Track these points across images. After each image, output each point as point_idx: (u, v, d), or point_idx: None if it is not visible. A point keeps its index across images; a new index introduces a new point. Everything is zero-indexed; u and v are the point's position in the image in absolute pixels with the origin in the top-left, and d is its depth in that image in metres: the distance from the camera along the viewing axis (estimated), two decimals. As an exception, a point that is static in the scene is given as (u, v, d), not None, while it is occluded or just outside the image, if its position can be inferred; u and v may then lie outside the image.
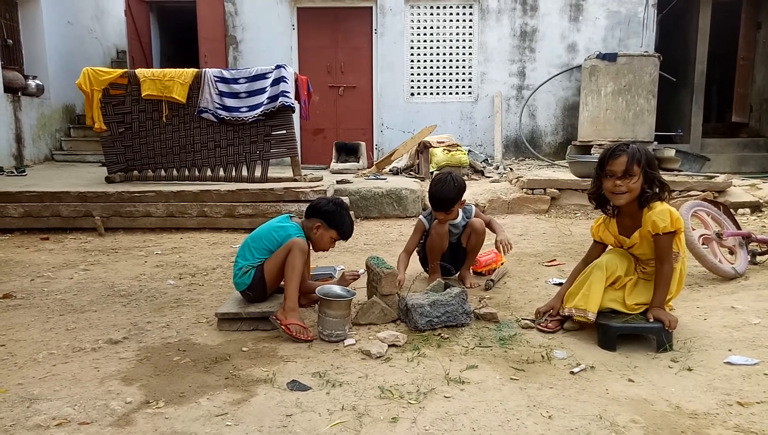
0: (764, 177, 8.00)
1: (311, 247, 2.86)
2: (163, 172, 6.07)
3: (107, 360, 2.35)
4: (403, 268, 3.25)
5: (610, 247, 2.70)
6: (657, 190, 2.45)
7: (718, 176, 6.78)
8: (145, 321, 2.84)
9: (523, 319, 2.75)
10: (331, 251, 4.46)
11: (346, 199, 5.92)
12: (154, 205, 5.34)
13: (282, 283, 2.73)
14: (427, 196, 3.30)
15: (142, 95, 5.79)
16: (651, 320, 2.43)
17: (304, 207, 5.30)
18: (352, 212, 5.89)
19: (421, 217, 3.48)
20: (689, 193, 6.25)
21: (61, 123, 9.25)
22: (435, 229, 3.31)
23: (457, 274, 3.55)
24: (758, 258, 3.76)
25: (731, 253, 3.67)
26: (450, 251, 3.43)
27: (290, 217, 2.91)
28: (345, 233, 2.90)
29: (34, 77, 8.39)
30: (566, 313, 2.59)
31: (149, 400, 1.98)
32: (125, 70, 6.06)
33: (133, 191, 5.42)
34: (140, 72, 5.86)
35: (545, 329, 2.61)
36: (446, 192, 3.19)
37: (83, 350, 2.46)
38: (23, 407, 1.94)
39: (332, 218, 2.84)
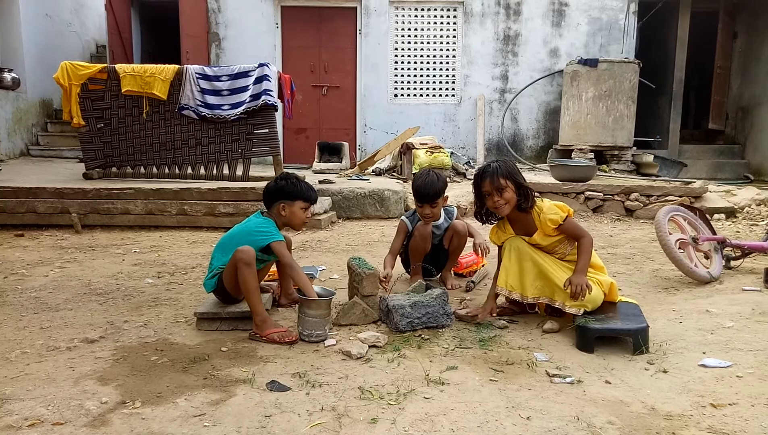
0: (739, 183, 8.18)
1: (291, 229, 2.83)
2: (142, 170, 5.99)
3: (83, 359, 2.31)
4: (390, 266, 3.26)
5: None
6: (526, 192, 2.69)
7: (694, 182, 6.91)
8: (122, 320, 2.80)
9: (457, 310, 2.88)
10: (312, 252, 4.46)
11: (327, 199, 5.91)
12: (133, 203, 5.27)
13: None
14: (411, 191, 3.33)
15: (122, 91, 5.71)
16: (566, 284, 2.57)
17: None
18: (333, 212, 5.90)
19: (403, 217, 3.49)
20: (667, 198, 6.37)
21: (38, 117, 9.06)
22: (419, 231, 3.32)
23: (438, 276, 3.56)
24: (732, 263, 3.84)
25: (707, 257, 3.74)
26: (432, 252, 3.44)
27: (261, 212, 2.84)
28: (308, 197, 2.80)
29: (10, 70, 8.20)
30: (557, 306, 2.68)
31: (125, 401, 1.95)
32: (105, 65, 5.97)
33: (112, 188, 5.34)
34: (120, 67, 5.78)
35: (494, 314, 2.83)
36: (431, 183, 3.25)
37: (58, 349, 2.42)
38: (-6, 407, 1.89)
39: (289, 191, 2.77)
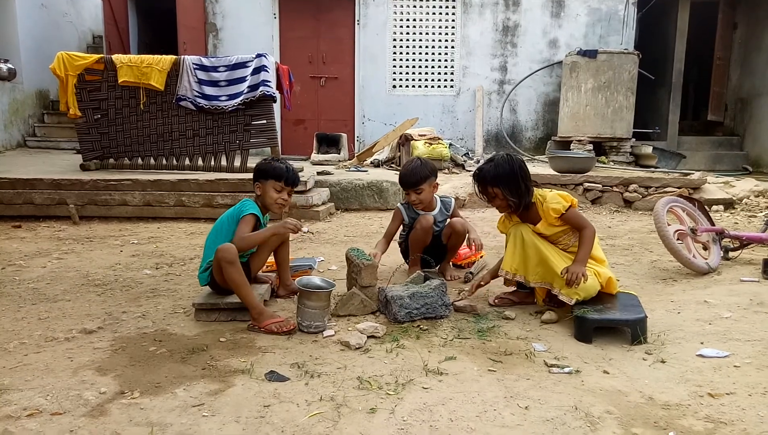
0: (738, 175, 8.18)
1: (269, 213, 2.81)
2: (140, 161, 5.97)
3: (81, 350, 2.31)
4: (380, 247, 3.29)
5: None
6: (518, 195, 2.69)
7: (693, 173, 6.91)
8: (121, 311, 2.80)
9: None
10: (310, 243, 4.46)
11: (326, 190, 5.91)
12: (131, 194, 5.25)
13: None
14: (400, 178, 3.36)
15: (119, 82, 5.68)
16: (563, 272, 2.58)
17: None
18: (331, 204, 5.89)
19: (398, 204, 3.51)
20: (665, 189, 6.37)
21: (35, 109, 9.01)
22: (420, 223, 3.31)
23: (437, 267, 3.56)
24: (731, 254, 3.84)
25: (705, 248, 3.74)
26: (431, 245, 3.43)
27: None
28: (279, 174, 2.72)
29: (6, 61, 8.15)
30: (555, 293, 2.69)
31: (124, 391, 1.95)
32: (101, 55, 5.94)
33: (109, 179, 5.33)
34: (117, 58, 5.74)
35: (493, 304, 2.88)
36: (413, 170, 3.27)
37: (56, 340, 2.41)
38: (-7, 398, 1.89)
39: (263, 169, 2.75)
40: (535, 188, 2.79)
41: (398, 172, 7.03)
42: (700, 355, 2.28)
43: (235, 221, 2.67)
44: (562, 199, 2.70)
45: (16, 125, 8.56)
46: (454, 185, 6.41)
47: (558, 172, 6.66)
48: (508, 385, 2.03)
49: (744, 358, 2.24)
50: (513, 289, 2.97)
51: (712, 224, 3.89)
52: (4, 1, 8.32)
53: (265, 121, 5.86)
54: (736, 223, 5.44)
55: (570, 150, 8.24)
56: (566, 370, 2.15)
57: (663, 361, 2.23)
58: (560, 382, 2.05)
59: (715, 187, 6.69)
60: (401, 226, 3.50)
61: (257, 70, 5.68)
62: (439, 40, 9.72)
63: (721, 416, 1.82)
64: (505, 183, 2.69)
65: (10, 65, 8.16)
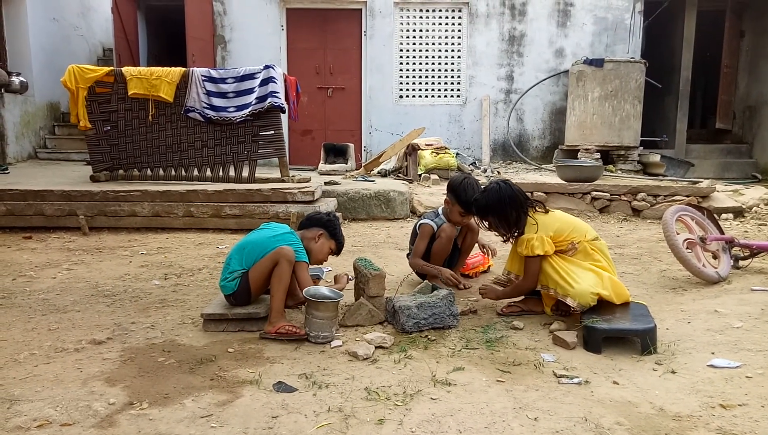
0: (747, 183, 8.13)
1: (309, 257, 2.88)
2: (149, 172, 6.01)
3: (90, 361, 2.32)
4: (435, 266, 3.31)
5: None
6: (516, 220, 2.78)
7: (702, 181, 6.87)
8: (130, 321, 2.81)
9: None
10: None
11: (333, 201, 5.92)
12: (140, 205, 5.29)
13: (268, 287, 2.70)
14: (458, 201, 3.20)
15: (129, 94, 5.73)
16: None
17: (291, 208, 5.31)
18: (339, 214, 5.90)
19: (427, 220, 3.40)
20: (674, 197, 6.33)
21: (46, 121, 9.11)
22: (445, 232, 3.28)
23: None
24: (741, 262, 3.81)
25: (715, 257, 3.71)
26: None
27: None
28: (341, 245, 3.02)
29: (18, 74, 8.26)
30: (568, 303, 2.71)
31: (133, 402, 1.96)
32: (111, 68, 6.00)
33: (119, 190, 5.37)
34: (127, 70, 5.80)
35: (502, 313, 2.91)
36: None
37: (66, 351, 2.43)
38: (3, 408, 1.90)
39: (333, 229, 2.96)
40: (532, 212, 2.81)
41: (405, 182, 7.04)
42: (711, 366, 2.26)
43: (270, 249, 2.67)
44: (525, 246, 2.74)
45: (28, 137, 8.66)
46: (461, 195, 6.39)
47: (565, 181, 6.64)
48: (517, 395, 2.02)
49: (756, 369, 2.22)
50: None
51: (722, 233, 3.86)
52: (17, 15, 8.45)
53: (273, 132, 5.90)
54: (746, 232, 5.39)
55: (577, 159, 8.22)
56: (575, 380, 2.13)
57: (673, 372, 2.21)
58: (569, 393, 2.04)
59: (724, 195, 6.64)
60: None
61: (265, 82, 5.73)
62: (446, 51, 9.75)
63: (733, 428, 1.80)
64: (495, 213, 2.81)
65: (22, 78, 8.27)
